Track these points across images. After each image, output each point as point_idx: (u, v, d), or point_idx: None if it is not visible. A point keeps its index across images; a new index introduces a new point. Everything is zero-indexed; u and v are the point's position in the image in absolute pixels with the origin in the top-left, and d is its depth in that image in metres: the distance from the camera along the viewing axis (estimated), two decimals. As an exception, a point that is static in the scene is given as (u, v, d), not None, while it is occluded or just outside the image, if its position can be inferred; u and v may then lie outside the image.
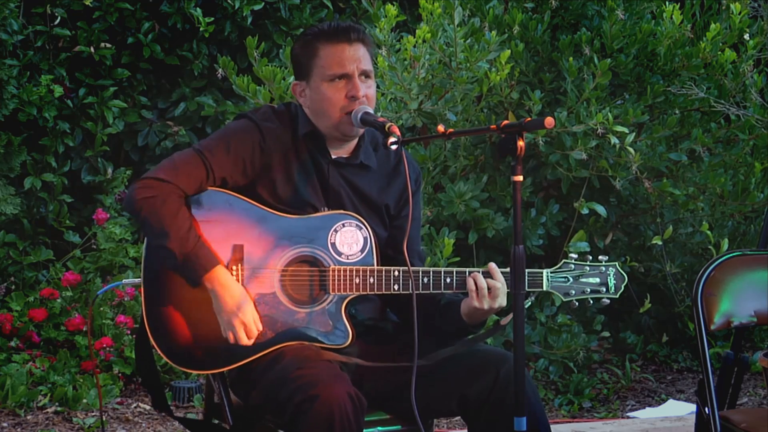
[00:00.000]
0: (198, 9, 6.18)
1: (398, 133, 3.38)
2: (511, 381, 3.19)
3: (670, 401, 5.88)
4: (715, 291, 3.77)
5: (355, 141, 3.58)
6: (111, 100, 6.23)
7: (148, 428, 5.25)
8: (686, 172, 6.06)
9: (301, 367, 3.29)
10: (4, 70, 5.85)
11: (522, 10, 5.90)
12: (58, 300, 5.72)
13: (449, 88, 5.63)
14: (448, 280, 3.47)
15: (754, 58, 6.10)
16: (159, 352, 3.43)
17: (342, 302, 3.46)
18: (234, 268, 3.43)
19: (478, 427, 3.45)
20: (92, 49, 6.14)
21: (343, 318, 3.46)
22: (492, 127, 3.21)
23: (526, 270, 3.23)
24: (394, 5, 5.56)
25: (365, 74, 3.50)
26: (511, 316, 3.29)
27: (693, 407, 5.42)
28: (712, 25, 5.87)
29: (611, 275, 3.59)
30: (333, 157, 3.56)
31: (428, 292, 3.47)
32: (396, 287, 3.46)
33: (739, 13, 5.92)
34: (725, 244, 5.65)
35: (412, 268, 3.43)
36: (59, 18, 6.11)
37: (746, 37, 6.02)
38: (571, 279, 3.57)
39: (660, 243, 5.85)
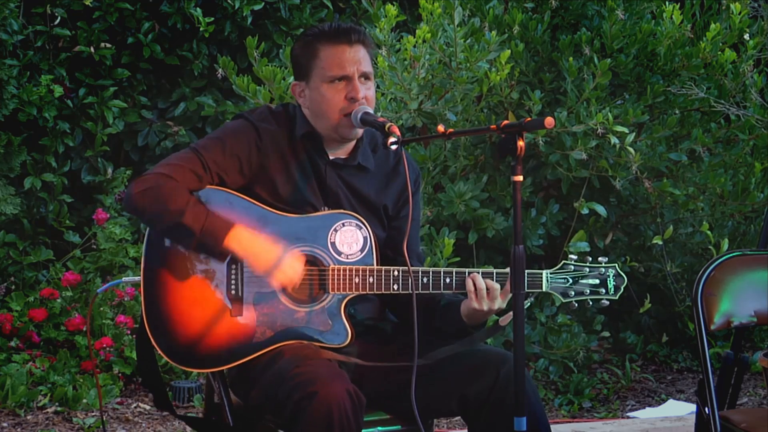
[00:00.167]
0: (198, 9, 6.18)
1: (398, 133, 3.38)
2: (511, 381, 3.19)
3: (670, 401, 5.88)
4: (715, 291, 3.77)
5: (354, 142, 3.58)
6: (111, 100, 6.23)
7: (148, 428, 5.25)
8: (686, 172, 6.06)
9: (299, 365, 3.29)
10: (4, 70, 5.85)
11: (522, 10, 5.90)
12: (58, 300, 5.72)
13: (449, 88, 5.63)
14: (448, 280, 3.47)
15: (754, 58, 6.10)
16: (159, 350, 3.43)
17: (341, 302, 3.46)
18: (233, 266, 3.43)
19: (478, 427, 3.45)
20: (92, 49, 6.14)
21: (342, 317, 3.46)
22: (492, 127, 3.21)
23: (526, 271, 3.23)
24: (394, 5, 5.56)
25: (365, 76, 3.50)
26: (510, 315, 3.29)
27: (693, 407, 5.42)
28: (712, 25, 5.87)
29: (611, 277, 3.59)
30: (330, 158, 3.56)
31: (428, 292, 3.47)
32: (395, 287, 3.46)
33: (739, 13, 5.92)
34: (725, 244, 5.65)
35: (412, 268, 3.43)
36: (59, 18, 6.11)
37: (746, 37, 6.02)
38: (570, 280, 3.57)
39: (660, 243, 5.85)
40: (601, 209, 5.80)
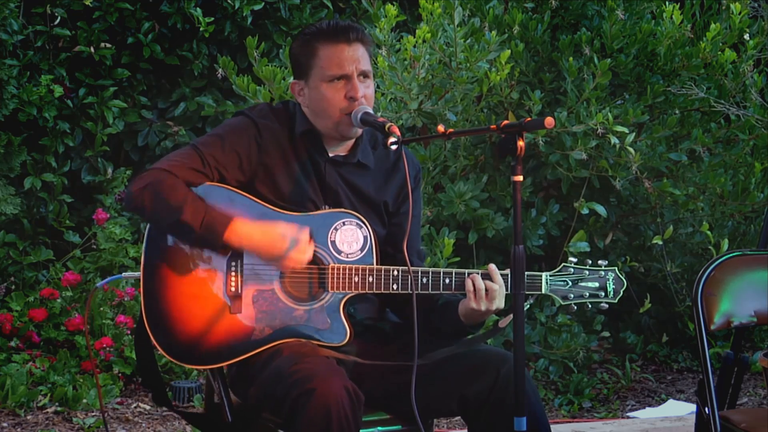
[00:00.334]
0: (198, 9, 6.18)
1: (398, 133, 3.38)
2: (511, 381, 3.19)
3: (670, 401, 5.88)
4: (715, 291, 3.77)
5: (354, 140, 3.58)
6: (111, 100, 6.23)
7: (148, 428, 5.25)
8: (686, 172, 6.06)
9: (297, 362, 3.29)
10: (4, 70, 5.85)
11: (522, 10, 5.90)
12: (58, 300, 5.72)
13: (449, 88, 5.63)
14: (447, 280, 3.47)
15: (754, 58, 6.10)
16: (158, 347, 3.43)
17: (341, 300, 3.46)
18: (233, 264, 3.43)
19: (478, 427, 3.45)
20: (92, 49, 6.14)
21: (341, 316, 3.46)
22: (492, 127, 3.21)
23: (526, 272, 3.22)
24: (394, 5, 5.56)
25: (364, 74, 3.50)
26: (510, 317, 3.29)
27: (693, 407, 5.42)
28: (712, 25, 5.87)
29: (610, 280, 3.59)
30: (330, 155, 3.56)
31: (427, 292, 3.47)
32: (395, 287, 3.46)
33: (739, 13, 5.92)
34: (725, 244, 5.65)
35: (412, 268, 3.43)
36: (59, 18, 6.11)
37: (746, 37, 6.02)
38: (570, 283, 3.57)
39: (660, 243, 5.85)
40: (601, 209, 5.80)
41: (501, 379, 3.39)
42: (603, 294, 3.58)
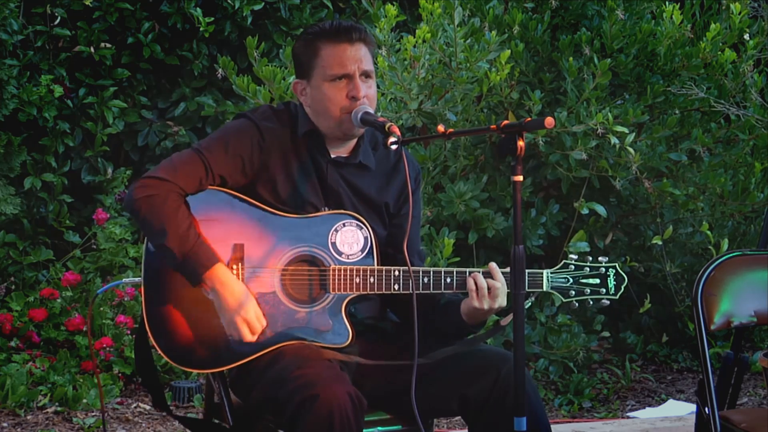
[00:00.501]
0: (198, 9, 6.18)
1: (398, 133, 3.38)
2: (512, 381, 3.19)
3: (670, 401, 5.88)
4: (715, 291, 3.77)
5: (355, 140, 3.58)
6: (111, 100, 6.23)
7: (148, 428, 5.25)
8: (686, 172, 6.06)
9: (300, 366, 3.29)
10: (4, 70, 5.85)
11: (522, 10, 5.90)
12: (58, 300, 5.72)
13: (449, 88, 5.63)
14: (448, 280, 3.47)
15: (754, 58, 6.10)
16: (159, 351, 3.43)
17: (342, 302, 3.46)
18: (234, 267, 3.43)
19: (479, 427, 3.45)
20: (92, 49, 6.14)
21: (343, 317, 3.46)
22: (492, 127, 3.21)
23: (526, 270, 3.23)
24: (394, 5, 5.56)
25: (366, 74, 3.50)
26: (511, 316, 3.29)
27: (693, 407, 5.42)
28: (712, 25, 5.87)
29: (611, 276, 3.59)
30: (332, 156, 3.56)
31: (428, 292, 3.47)
32: (396, 287, 3.46)
33: (739, 13, 5.92)
34: (725, 244, 5.65)
35: (412, 268, 3.43)
36: (59, 18, 6.11)
37: (746, 37, 6.02)
38: (571, 280, 3.57)
39: (660, 243, 5.85)
40: (601, 209, 5.80)
41: (501, 379, 3.39)
42: (604, 290, 3.58)
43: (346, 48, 3.48)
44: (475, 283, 3.44)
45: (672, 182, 5.90)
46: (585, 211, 5.80)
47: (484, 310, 3.45)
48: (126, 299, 5.73)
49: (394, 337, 3.59)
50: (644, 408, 5.80)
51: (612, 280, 3.59)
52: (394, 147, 3.38)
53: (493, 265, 3.47)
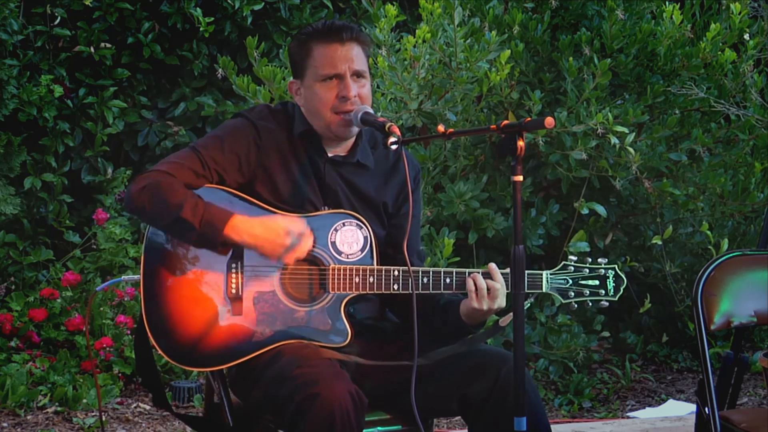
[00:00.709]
0: (198, 9, 6.18)
1: (398, 133, 3.38)
2: (512, 381, 3.18)
3: (670, 401, 5.88)
4: (715, 291, 3.77)
5: (353, 140, 3.59)
6: (111, 100, 6.23)
7: (148, 428, 5.25)
8: (686, 172, 6.06)
9: (300, 365, 3.29)
10: (4, 70, 5.85)
11: (522, 10, 5.90)
12: (58, 300, 5.72)
13: (449, 88, 5.63)
14: (448, 280, 3.47)
15: (754, 58, 6.10)
16: (158, 350, 3.43)
17: (341, 301, 3.46)
18: (234, 265, 3.43)
19: (479, 427, 3.45)
20: (92, 49, 6.14)
21: (342, 317, 3.46)
22: (492, 127, 3.21)
23: (526, 271, 3.23)
24: (394, 5, 5.56)
25: (358, 74, 3.50)
26: (510, 316, 3.29)
27: (693, 407, 5.42)
28: (712, 25, 5.87)
29: (610, 278, 3.59)
30: (330, 155, 3.56)
31: (428, 292, 3.47)
32: (396, 287, 3.46)
33: (739, 13, 5.92)
34: (725, 244, 5.65)
35: (412, 268, 3.43)
36: (59, 18, 6.11)
37: (746, 37, 6.02)
38: (570, 281, 3.57)
39: (660, 243, 5.85)
40: (601, 209, 5.80)
41: (501, 379, 3.39)
42: (603, 292, 3.59)
43: (337, 48, 3.48)
44: (475, 284, 3.44)
45: (672, 182, 5.90)
46: (585, 211, 5.80)
47: (483, 311, 3.45)
48: (126, 299, 5.73)
49: (393, 337, 3.59)
50: (644, 408, 5.80)
51: (611, 281, 3.59)
52: (394, 147, 3.38)
53: (492, 265, 3.48)
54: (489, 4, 5.91)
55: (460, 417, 3.54)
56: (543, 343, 5.83)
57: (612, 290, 3.59)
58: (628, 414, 5.72)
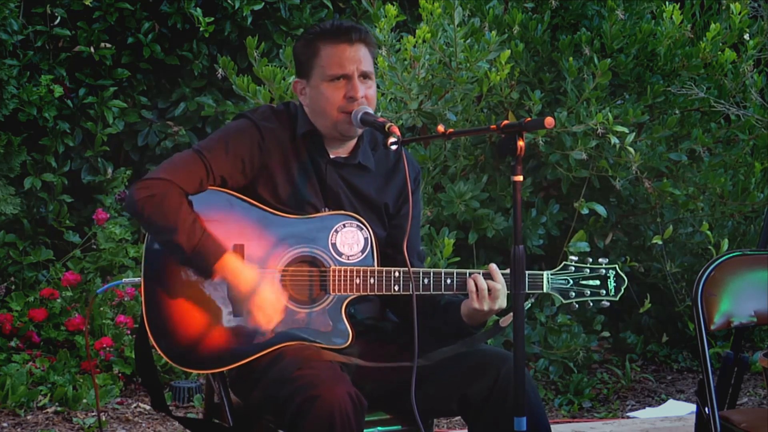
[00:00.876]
0: (198, 9, 6.18)
1: (398, 133, 3.38)
2: (512, 381, 3.19)
3: (670, 401, 5.88)
4: (715, 291, 3.77)
5: (354, 141, 3.58)
6: (111, 100, 6.23)
7: (148, 428, 5.25)
8: (686, 172, 6.06)
9: (301, 367, 3.29)
10: (4, 70, 5.85)
11: (522, 10, 5.90)
12: (58, 300, 5.72)
13: (449, 88, 5.63)
14: (449, 281, 3.47)
15: (754, 58, 6.10)
16: (159, 351, 3.43)
17: (342, 302, 3.46)
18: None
19: (479, 427, 3.45)
20: (92, 49, 6.14)
21: (343, 318, 3.46)
22: (492, 127, 3.21)
23: (526, 271, 3.23)
24: (394, 5, 5.56)
25: (365, 75, 3.50)
26: (510, 316, 3.29)
27: (693, 407, 5.42)
28: (712, 25, 5.87)
29: (611, 278, 3.59)
30: (331, 156, 3.56)
31: (428, 293, 3.47)
32: (396, 288, 3.46)
33: (739, 13, 5.92)
34: (725, 244, 5.65)
35: (412, 269, 3.43)
36: (59, 18, 6.11)
37: (746, 37, 6.02)
38: (571, 281, 3.57)
39: (660, 243, 5.85)
40: (601, 209, 5.80)
41: (501, 379, 3.39)
42: (604, 292, 3.59)
43: (346, 48, 3.48)
44: (475, 285, 3.44)
45: (672, 182, 5.90)
46: (585, 211, 5.80)
47: (484, 312, 3.45)
48: (126, 299, 5.73)
49: (393, 338, 3.59)
50: (644, 408, 5.80)
51: (612, 281, 3.59)
52: (394, 147, 3.38)
53: (493, 266, 3.48)
54: (489, 4, 5.91)
55: (460, 417, 3.54)
56: (543, 343, 5.83)
57: (613, 290, 3.59)
58: (628, 414, 5.72)
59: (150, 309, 3.43)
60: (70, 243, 6.19)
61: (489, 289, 3.44)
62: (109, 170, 6.32)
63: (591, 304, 3.60)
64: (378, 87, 5.50)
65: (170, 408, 3.76)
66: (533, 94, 5.67)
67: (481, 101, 5.74)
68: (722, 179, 5.87)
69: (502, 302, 3.46)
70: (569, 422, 5.50)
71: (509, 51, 5.54)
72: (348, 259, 3.47)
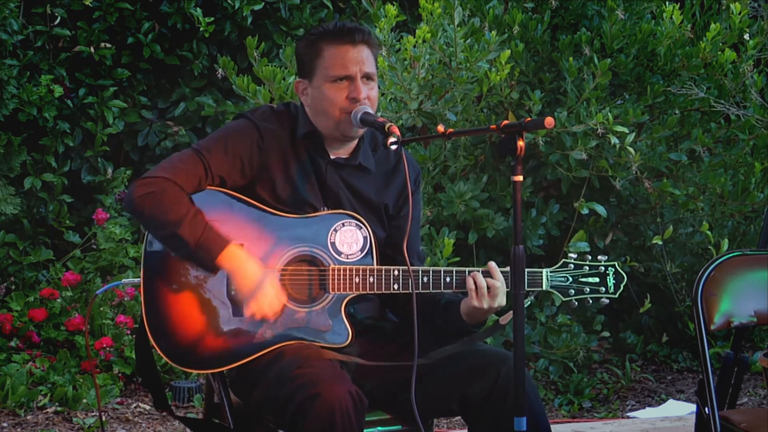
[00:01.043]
0: (198, 9, 6.18)
1: (398, 133, 3.38)
2: (512, 381, 3.19)
3: (670, 401, 5.88)
4: (715, 291, 3.77)
5: (355, 142, 3.58)
6: (111, 100, 6.23)
7: (148, 428, 5.25)
8: (686, 172, 6.06)
9: (301, 366, 3.29)
10: (4, 70, 5.85)
11: (522, 10, 5.90)
12: (58, 300, 5.72)
13: (449, 88, 5.63)
14: (448, 279, 3.47)
15: (754, 58, 6.10)
16: (159, 351, 3.43)
17: (341, 302, 3.46)
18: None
19: (479, 427, 3.45)
20: (92, 49, 6.14)
21: (342, 317, 3.46)
22: (492, 127, 3.21)
23: (526, 269, 3.23)
24: (394, 5, 5.56)
25: (368, 76, 3.50)
26: (510, 314, 3.29)
27: (693, 407, 5.42)
28: (712, 25, 5.87)
29: (611, 275, 3.59)
30: (332, 157, 3.56)
31: (428, 291, 3.47)
32: (396, 287, 3.46)
33: (739, 13, 5.92)
34: (725, 244, 5.65)
35: (412, 268, 3.43)
36: (59, 18, 6.11)
37: (746, 37, 6.02)
38: (570, 279, 3.57)
39: (660, 243, 5.85)
40: (601, 209, 5.80)
41: (501, 379, 3.39)
42: (604, 289, 3.59)
43: (349, 49, 3.48)
44: (475, 283, 3.44)
45: (672, 182, 5.90)
46: (585, 211, 5.80)
47: (483, 310, 3.45)
48: (126, 299, 5.73)
49: (393, 337, 3.59)
50: (644, 408, 5.80)
51: (611, 278, 3.59)
52: (394, 147, 3.38)
53: (492, 264, 3.48)
54: (489, 4, 5.91)
55: (460, 417, 3.54)
56: (543, 342, 5.83)
57: (612, 287, 3.59)
58: (628, 414, 5.72)
59: (149, 309, 3.43)
60: (70, 243, 6.19)
61: (488, 287, 3.44)
62: (109, 170, 6.32)
63: (590, 301, 3.60)
64: (378, 87, 5.50)
65: (171, 407, 3.76)
66: (533, 94, 5.67)
67: (481, 101, 5.74)
68: (722, 179, 5.87)
69: (501, 300, 3.46)
70: (569, 422, 5.50)
71: (509, 51, 5.54)
72: (347, 258, 3.47)
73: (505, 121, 3.19)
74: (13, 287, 5.98)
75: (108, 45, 6.18)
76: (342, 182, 3.56)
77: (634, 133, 5.56)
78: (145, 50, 6.26)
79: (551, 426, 3.49)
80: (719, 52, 5.91)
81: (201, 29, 6.16)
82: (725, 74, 6.02)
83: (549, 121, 3.08)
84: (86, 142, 6.30)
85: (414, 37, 5.51)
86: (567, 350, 5.79)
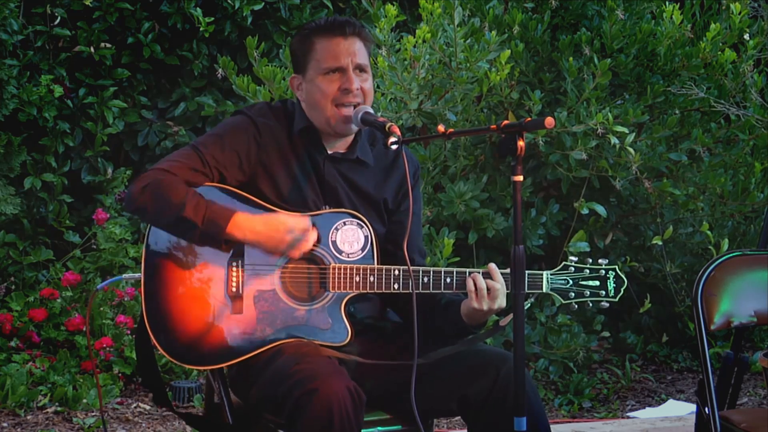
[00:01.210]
0: (198, 9, 6.18)
1: (398, 133, 3.38)
2: (511, 381, 3.19)
3: (670, 401, 5.88)
4: (715, 291, 3.77)
5: (352, 136, 3.59)
6: (111, 100, 6.23)
7: (148, 428, 5.25)
8: (686, 172, 6.06)
9: (299, 362, 3.29)
10: (4, 70, 5.85)
11: (522, 10, 5.90)
12: (58, 300, 5.72)
13: (449, 88, 5.63)
14: (448, 280, 3.47)
15: (754, 58, 6.10)
16: (159, 348, 3.43)
17: (341, 300, 3.46)
18: (234, 264, 3.44)
19: (478, 427, 3.45)
20: (92, 49, 6.15)
21: (342, 316, 3.46)
22: (492, 127, 3.21)
23: (526, 271, 3.23)
24: (394, 5, 5.56)
25: (360, 68, 3.51)
26: (510, 316, 3.29)
27: (693, 407, 5.42)
28: (712, 25, 5.87)
29: (611, 279, 3.59)
30: (329, 152, 3.56)
31: (428, 291, 3.47)
32: (396, 286, 3.46)
33: (739, 13, 5.92)
34: (725, 244, 5.65)
35: (412, 267, 3.43)
36: (59, 18, 6.11)
37: (746, 37, 6.02)
38: (570, 281, 3.57)
39: (660, 243, 5.85)
40: (601, 209, 5.80)
41: (501, 379, 3.39)
42: (604, 293, 3.58)
43: (340, 41, 3.49)
44: (475, 284, 3.44)
45: (672, 182, 5.90)
46: (585, 211, 5.80)
47: (483, 311, 3.45)
48: (126, 299, 5.73)
49: (393, 337, 3.59)
50: (644, 408, 5.80)
51: (612, 282, 3.59)
52: (394, 147, 3.38)
53: (492, 265, 3.47)
54: (489, 4, 5.91)
55: (460, 417, 3.54)
56: (543, 343, 5.83)
57: (612, 291, 3.59)
58: (628, 414, 5.72)
59: (150, 306, 3.43)
60: (70, 243, 6.19)
61: (488, 288, 3.44)
62: (109, 170, 6.32)
63: (590, 304, 3.60)
64: (378, 87, 5.51)
65: (171, 403, 3.76)
66: (533, 94, 5.67)
67: (481, 101, 5.74)
68: (722, 179, 5.87)
69: (501, 302, 3.45)
70: (569, 422, 5.50)
71: (509, 51, 5.54)
72: (348, 257, 3.47)
73: (505, 121, 3.19)
74: (13, 287, 5.98)
75: (108, 45, 6.18)
76: (340, 176, 3.56)
77: (634, 133, 5.56)
78: (145, 50, 6.26)
79: (551, 426, 3.49)
80: (719, 52, 5.91)
81: (201, 29, 6.16)
82: (725, 74, 6.02)
83: (549, 121, 3.08)
84: (86, 142, 6.30)
85: (414, 37, 5.51)
86: (567, 350, 5.79)
